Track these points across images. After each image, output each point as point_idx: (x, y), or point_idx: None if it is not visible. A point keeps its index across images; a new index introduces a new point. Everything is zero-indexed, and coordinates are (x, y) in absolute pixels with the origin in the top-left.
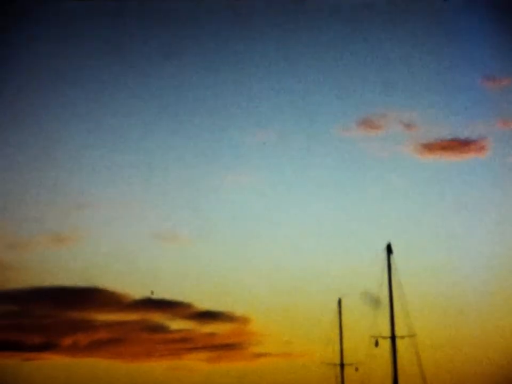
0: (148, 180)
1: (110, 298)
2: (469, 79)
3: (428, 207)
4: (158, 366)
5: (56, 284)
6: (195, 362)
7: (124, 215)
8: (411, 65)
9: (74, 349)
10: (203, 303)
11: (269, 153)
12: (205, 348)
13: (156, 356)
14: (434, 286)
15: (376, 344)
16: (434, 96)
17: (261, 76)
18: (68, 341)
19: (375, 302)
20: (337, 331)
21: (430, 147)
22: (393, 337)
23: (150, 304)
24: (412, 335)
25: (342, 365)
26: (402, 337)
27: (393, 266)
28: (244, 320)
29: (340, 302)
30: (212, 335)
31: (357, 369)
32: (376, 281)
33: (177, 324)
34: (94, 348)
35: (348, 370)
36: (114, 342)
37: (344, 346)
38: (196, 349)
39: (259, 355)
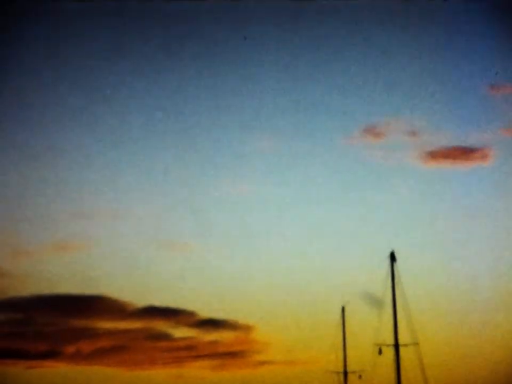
0: (151, 188)
1: (113, 306)
2: (472, 87)
3: (432, 214)
4: (161, 374)
5: (60, 292)
6: (198, 370)
7: (127, 223)
8: (415, 73)
9: (77, 357)
10: (206, 311)
11: (272, 161)
12: (208, 355)
13: (159, 364)
14: (438, 294)
15: (380, 352)
16: (438, 104)
17: (263, 83)
18: (71, 348)
19: (379, 310)
20: (341, 339)
21: (434, 155)
22: (396, 345)
23: (153, 312)
24: (415, 343)
25: (345, 373)
26: (405, 345)
27: (396, 274)
28: (247, 328)
29: (343, 309)
30: (215, 343)
31: (360, 377)
32: (379, 289)
33: (180, 332)
34: (97, 355)
35: (351, 378)
36: (118, 350)
37: (348, 354)
38: (199, 357)
39: (262, 363)
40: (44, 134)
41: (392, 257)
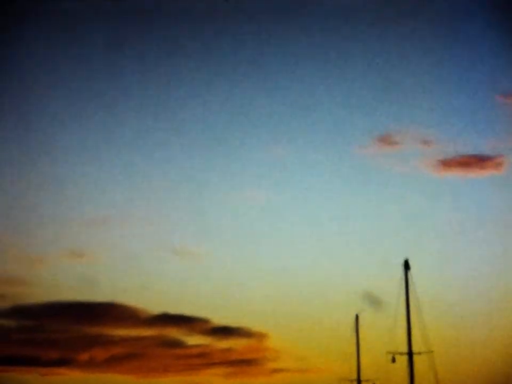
0: (164, 196)
1: (127, 314)
2: (485, 96)
3: (445, 223)
4: (174, 381)
5: (73, 299)
6: (212, 378)
7: (141, 231)
8: (428, 82)
9: (90, 364)
10: (220, 318)
11: (285, 169)
12: (221, 363)
13: (173, 372)
14: (452, 302)
15: (393, 360)
16: (451, 113)
17: (277, 91)
18: (84, 356)
19: (392, 318)
20: (354, 347)
21: (447, 163)
22: (410, 354)
23: (167, 319)
24: (429, 351)
25: (359, 381)
26: (419, 353)
27: (410, 282)
28: (260, 336)
29: (357, 317)
30: (228, 350)
31: None
32: (393, 297)
33: (194, 340)
34: (111, 363)
35: None
36: (131, 357)
37: (361, 362)
38: (212, 364)
39: (276, 371)
40: (54, 143)
41: (406, 266)
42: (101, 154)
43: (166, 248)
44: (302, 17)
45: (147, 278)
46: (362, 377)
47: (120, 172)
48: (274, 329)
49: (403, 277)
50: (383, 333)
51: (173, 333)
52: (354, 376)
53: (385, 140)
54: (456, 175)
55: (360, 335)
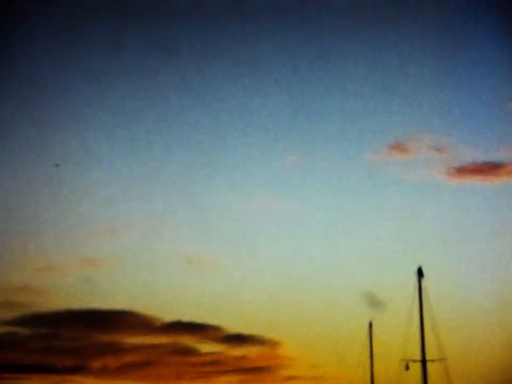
0: (177, 204)
1: (140, 322)
2: (498, 102)
3: (459, 230)
4: None
5: (87, 307)
6: None
7: (154, 239)
8: (441, 89)
9: (104, 372)
10: (233, 326)
11: (299, 177)
12: (235, 371)
13: (186, 379)
14: (466, 310)
15: (407, 367)
16: (465, 120)
17: (291, 100)
18: (97, 363)
19: (406, 325)
20: (368, 354)
21: (461, 171)
22: (423, 361)
23: (180, 327)
24: (442, 359)
25: None
26: (433, 360)
27: (424, 290)
28: (274, 343)
29: (370, 325)
30: (241, 358)
31: None
32: (407, 305)
33: (207, 347)
34: (124, 370)
35: None
36: (144, 365)
37: (375, 369)
38: (226, 372)
39: (289, 378)
40: (63, 150)
41: (420, 273)
42: (111, 163)
43: (178, 256)
44: (312, 26)
45: (160, 286)
46: None
47: (132, 180)
48: (287, 336)
49: (417, 284)
50: (397, 340)
51: (186, 340)
52: (368, 383)
53: (399, 147)
54: (469, 182)
55: (374, 342)
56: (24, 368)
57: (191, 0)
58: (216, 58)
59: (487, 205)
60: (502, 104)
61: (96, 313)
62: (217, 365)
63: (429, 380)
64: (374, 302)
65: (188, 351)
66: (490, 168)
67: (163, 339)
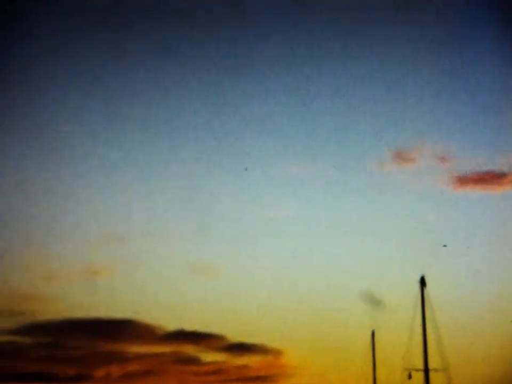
0: (180, 213)
1: (143, 330)
2: (502, 111)
3: (462, 239)
4: None
5: (90, 315)
6: None
7: (158, 248)
8: (445, 98)
9: (107, 381)
10: (236, 335)
11: (302, 186)
12: (238, 380)
13: None
14: (468, 319)
15: (409, 376)
16: (468, 129)
17: (293, 110)
18: (100, 372)
19: (409, 334)
20: (370, 363)
21: (463, 180)
22: (426, 370)
23: (183, 336)
24: (445, 368)
25: None
26: (435, 370)
27: (426, 299)
28: (276, 352)
29: (373, 333)
30: (244, 367)
31: None
32: (409, 314)
33: (210, 356)
34: (127, 379)
35: None
36: (147, 373)
37: (377, 378)
38: (229, 381)
39: None
40: (69, 156)
41: (422, 282)
42: (117, 171)
43: (182, 264)
44: (315, 31)
45: (163, 295)
46: None
47: (136, 188)
48: (290, 345)
49: (419, 293)
50: (399, 349)
51: (189, 349)
52: None
53: (401, 156)
54: (472, 191)
55: (376, 351)
56: (26, 377)
57: (191, 0)
58: (217, 64)
59: (489, 214)
60: (505, 113)
61: (99, 322)
62: (220, 374)
63: None
64: (376, 310)
65: (191, 360)
66: (493, 177)
67: (166, 348)
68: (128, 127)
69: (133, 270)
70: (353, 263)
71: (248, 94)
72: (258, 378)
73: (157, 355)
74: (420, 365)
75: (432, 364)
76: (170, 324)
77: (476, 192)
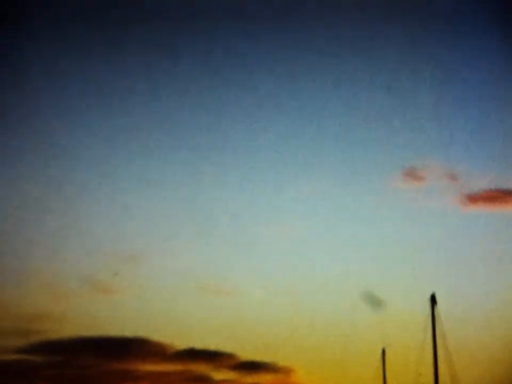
0: (190, 232)
1: (154, 349)
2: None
3: (473, 258)
4: None
5: (100, 334)
6: None
7: (168, 266)
8: (454, 116)
9: None
10: (246, 353)
11: (313, 205)
12: None
13: None
14: (479, 338)
15: None
16: (477, 147)
17: (302, 128)
18: None
19: (419, 352)
20: (381, 381)
21: (473, 198)
22: None
23: (194, 354)
24: None
25: None
26: None
27: (437, 317)
28: (287, 371)
29: (383, 351)
30: None
31: None
32: (420, 332)
33: (220, 375)
34: None
35: None
36: None
37: None
38: None
39: None
40: (76, 175)
41: (433, 300)
42: (129, 189)
43: (192, 282)
44: (326, 57)
45: (174, 313)
46: None
47: (147, 207)
48: (300, 363)
49: (430, 311)
50: (410, 366)
51: (200, 368)
52: None
53: (411, 174)
54: (482, 209)
55: (387, 369)
56: None
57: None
58: (220, 89)
59: (499, 232)
60: None
61: (110, 341)
62: None
63: None
64: (387, 328)
65: (202, 379)
66: (502, 195)
67: (177, 366)
68: (138, 138)
69: (143, 288)
70: (364, 280)
71: (256, 110)
72: None
73: (167, 373)
74: (431, 382)
75: (442, 382)
76: (181, 342)
77: (485, 210)
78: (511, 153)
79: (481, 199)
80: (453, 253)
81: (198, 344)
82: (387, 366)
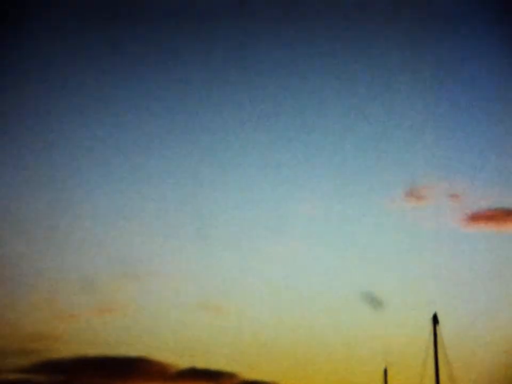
0: (192, 252)
1: (155, 368)
2: None
3: (475, 277)
4: None
5: (102, 354)
6: None
7: (169, 286)
8: (456, 136)
9: None
10: (248, 373)
11: (313, 224)
12: None
13: None
14: (481, 358)
15: None
16: (479, 166)
17: (304, 146)
18: None
19: (421, 372)
20: None
21: (475, 218)
22: None
23: (195, 374)
24: None
25: None
26: None
27: (439, 337)
28: None
29: (385, 371)
30: None
31: None
32: (422, 351)
33: None
34: None
35: None
36: None
37: None
38: None
39: None
40: (77, 195)
41: (435, 320)
42: (129, 210)
43: (194, 302)
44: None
45: (175, 333)
46: None
47: (149, 227)
48: (302, 383)
49: (432, 331)
50: None
51: None
52: None
53: (414, 194)
54: (483, 229)
55: None
56: None
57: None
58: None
59: (501, 252)
60: None
61: (112, 360)
62: None
63: None
64: (389, 348)
65: None
66: (504, 215)
67: None
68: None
69: (144, 308)
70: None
71: (261, 131)
72: None
73: None
74: None
75: None
76: (183, 362)
77: (487, 229)
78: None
79: (483, 218)
80: (454, 272)
81: (200, 364)
82: None
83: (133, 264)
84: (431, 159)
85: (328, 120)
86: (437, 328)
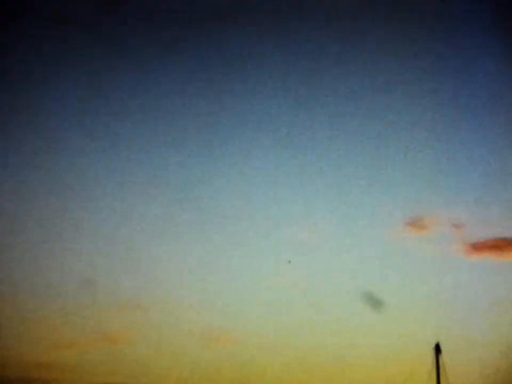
0: (190, 280)
1: None
2: None
3: (477, 307)
4: None
5: (107, 383)
6: None
7: (173, 316)
8: (458, 165)
9: None
10: None
11: (314, 254)
12: None
13: None
14: None
15: None
16: (481, 196)
17: (305, 176)
18: None
19: None
20: None
21: (478, 247)
22: None
23: None
24: None
25: None
26: None
27: (442, 366)
28: None
29: None
30: None
31: None
32: (425, 382)
33: None
34: None
35: None
36: None
37: None
38: None
39: None
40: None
41: (437, 349)
42: (132, 239)
43: (197, 332)
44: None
45: (180, 362)
46: None
47: (152, 257)
48: None
49: (434, 361)
50: None
51: None
52: None
53: (416, 223)
54: (486, 258)
55: None
56: None
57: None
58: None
59: (504, 281)
60: None
61: None
62: None
63: None
64: (391, 378)
65: None
66: (507, 244)
67: None
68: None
69: (148, 338)
70: (367, 330)
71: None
72: None
73: None
74: None
75: None
76: None
77: (490, 259)
78: None
79: (486, 248)
80: (457, 301)
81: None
82: None
83: (136, 294)
84: (433, 188)
85: (328, 150)
86: (440, 357)
